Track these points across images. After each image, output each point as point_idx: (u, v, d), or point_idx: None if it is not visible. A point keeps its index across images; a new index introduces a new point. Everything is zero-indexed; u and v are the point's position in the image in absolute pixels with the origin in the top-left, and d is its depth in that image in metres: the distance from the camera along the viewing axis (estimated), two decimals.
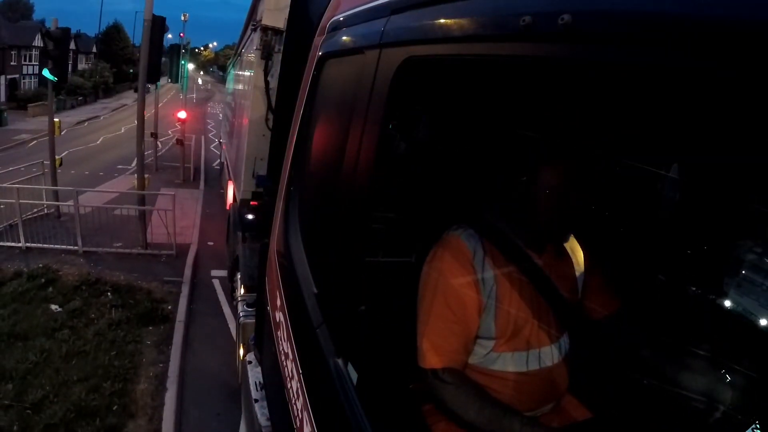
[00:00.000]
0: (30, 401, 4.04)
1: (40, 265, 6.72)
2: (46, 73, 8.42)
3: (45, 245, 7.49)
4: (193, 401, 4.56)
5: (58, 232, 7.67)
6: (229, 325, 5.96)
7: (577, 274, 1.49)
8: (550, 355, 1.33)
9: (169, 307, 6.12)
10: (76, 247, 7.45)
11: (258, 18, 4.47)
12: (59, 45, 8.48)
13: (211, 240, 8.98)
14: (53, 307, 5.72)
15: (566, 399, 1.46)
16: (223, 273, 7.11)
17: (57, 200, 8.75)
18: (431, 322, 1.26)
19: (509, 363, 1.29)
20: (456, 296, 1.26)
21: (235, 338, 4.97)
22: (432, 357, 1.23)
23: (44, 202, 8.75)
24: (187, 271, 7.23)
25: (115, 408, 4.15)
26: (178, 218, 8.28)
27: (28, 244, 7.45)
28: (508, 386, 1.28)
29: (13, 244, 7.43)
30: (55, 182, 8.91)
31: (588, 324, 1.47)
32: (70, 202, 7.74)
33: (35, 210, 8.60)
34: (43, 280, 6.31)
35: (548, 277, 1.35)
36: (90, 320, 5.53)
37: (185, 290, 6.63)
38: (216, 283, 7.24)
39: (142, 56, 7.30)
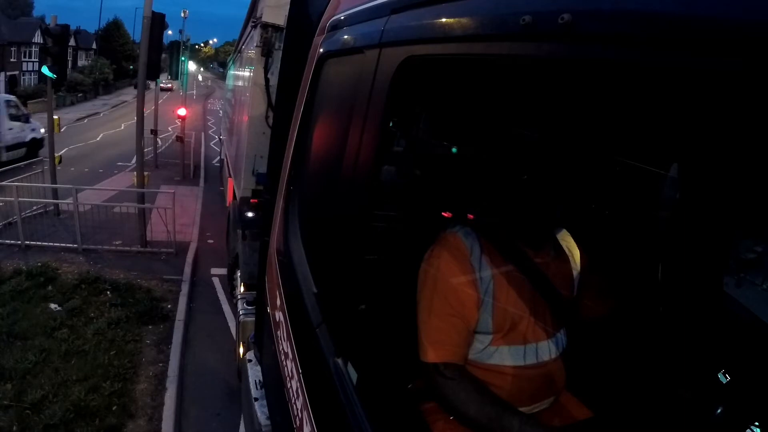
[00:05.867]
0: (29, 401, 4.03)
1: (39, 264, 6.71)
2: (45, 70, 8.39)
3: (44, 243, 7.48)
4: (192, 401, 4.56)
5: (58, 229, 7.66)
6: (229, 324, 5.95)
7: (574, 272, 1.50)
8: (547, 350, 1.35)
9: (169, 306, 6.12)
10: (75, 245, 7.44)
11: (258, 15, 4.46)
12: (59, 42, 8.46)
13: (211, 238, 8.97)
14: (52, 305, 5.71)
15: (566, 398, 1.46)
16: (223, 271, 7.11)
17: (56, 198, 8.75)
18: (431, 318, 1.28)
19: (506, 357, 1.30)
20: (454, 292, 1.28)
21: (234, 337, 4.97)
22: (433, 352, 1.25)
23: (43, 200, 8.75)
24: (187, 269, 7.22)
25: (114, 408, 4.14)
26: (178, 216, 8.27)
27: (27, 242, 7.43)
28: (506, 380, 1.29)
29: (12, 242, 7.42)
30: (54, 180, 8.90)
31: (584, 322, 1.48)
32: (70, 200, 7.73)
33: (34, 208, 8.58)
34: (42, 279, 6.29)
35: (545, 275, 1.36)
36: (89, 319, 5.52)
37: (185, 288, 6.63)
38: (216, 281, 7.23)
39: (141, 53, 7.26)
